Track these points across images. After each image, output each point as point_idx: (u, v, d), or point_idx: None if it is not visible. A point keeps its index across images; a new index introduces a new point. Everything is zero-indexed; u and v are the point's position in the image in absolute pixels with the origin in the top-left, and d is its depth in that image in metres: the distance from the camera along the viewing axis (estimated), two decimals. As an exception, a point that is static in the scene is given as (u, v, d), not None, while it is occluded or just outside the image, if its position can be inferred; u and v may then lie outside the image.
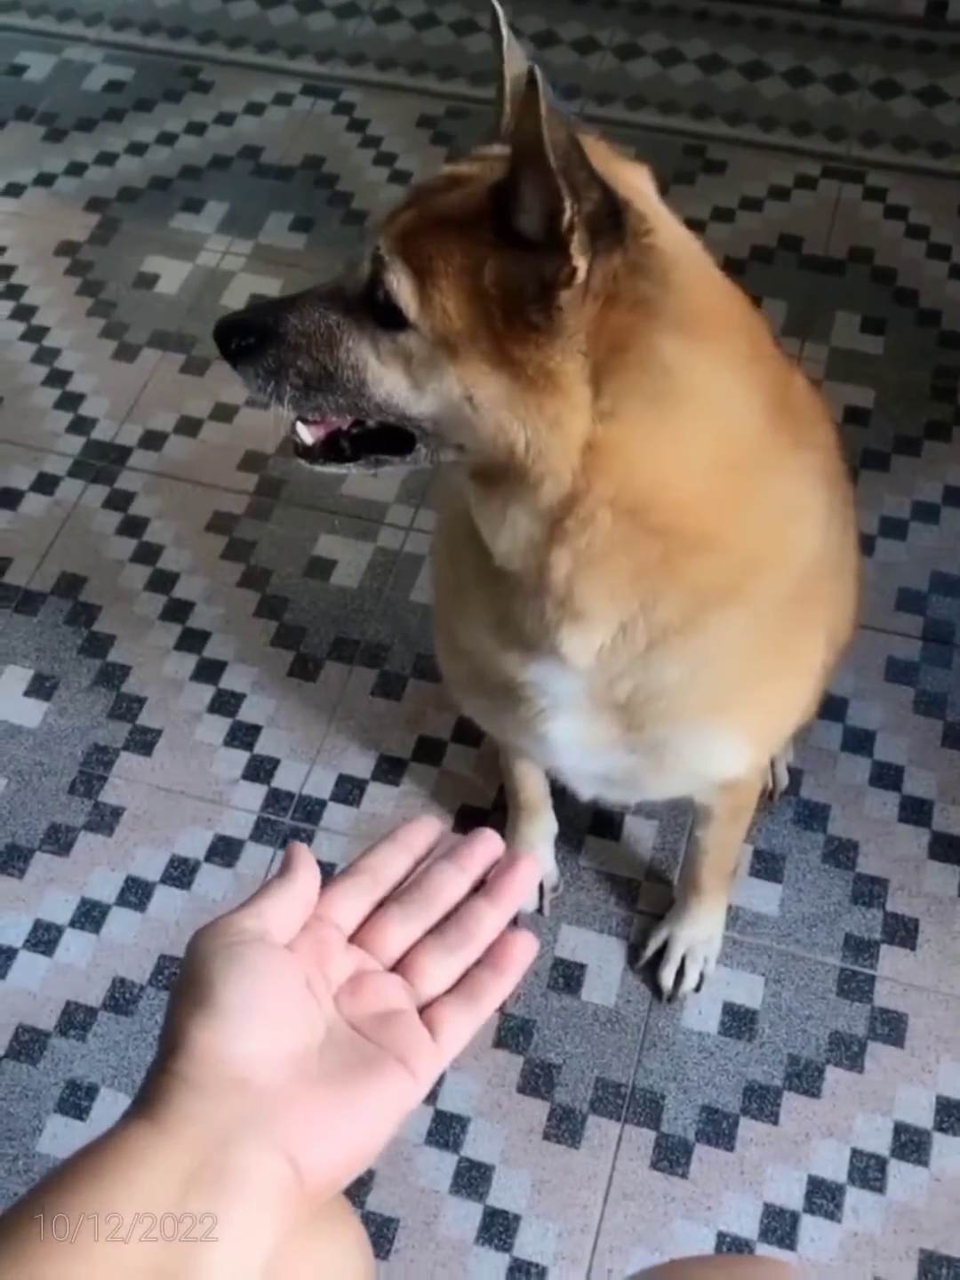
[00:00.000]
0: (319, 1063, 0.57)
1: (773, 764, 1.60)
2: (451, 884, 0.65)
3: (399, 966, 0.63)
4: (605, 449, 0.81)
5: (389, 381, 0.85)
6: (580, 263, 0.75)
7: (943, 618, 1.75)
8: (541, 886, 1.54)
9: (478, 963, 0.63)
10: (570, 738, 1.06)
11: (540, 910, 1.54)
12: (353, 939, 0.63)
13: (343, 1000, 0.60)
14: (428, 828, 0.67)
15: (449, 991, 0.63)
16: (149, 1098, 0.55)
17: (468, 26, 2.57)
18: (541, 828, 1.53)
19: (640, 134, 2.35)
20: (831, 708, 1.67)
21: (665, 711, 1.02)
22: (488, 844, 0.66)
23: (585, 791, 1.29)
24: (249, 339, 0.89)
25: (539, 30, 2.53)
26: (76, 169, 2.38)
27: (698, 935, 1.49)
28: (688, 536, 0.86)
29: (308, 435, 0.95)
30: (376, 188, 2.31)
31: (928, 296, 2.10)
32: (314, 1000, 0.59)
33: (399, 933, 0.64)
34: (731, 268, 2.30)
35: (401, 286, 0.80)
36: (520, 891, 0.65)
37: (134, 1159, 0.53)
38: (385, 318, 0.82)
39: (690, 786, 1.24)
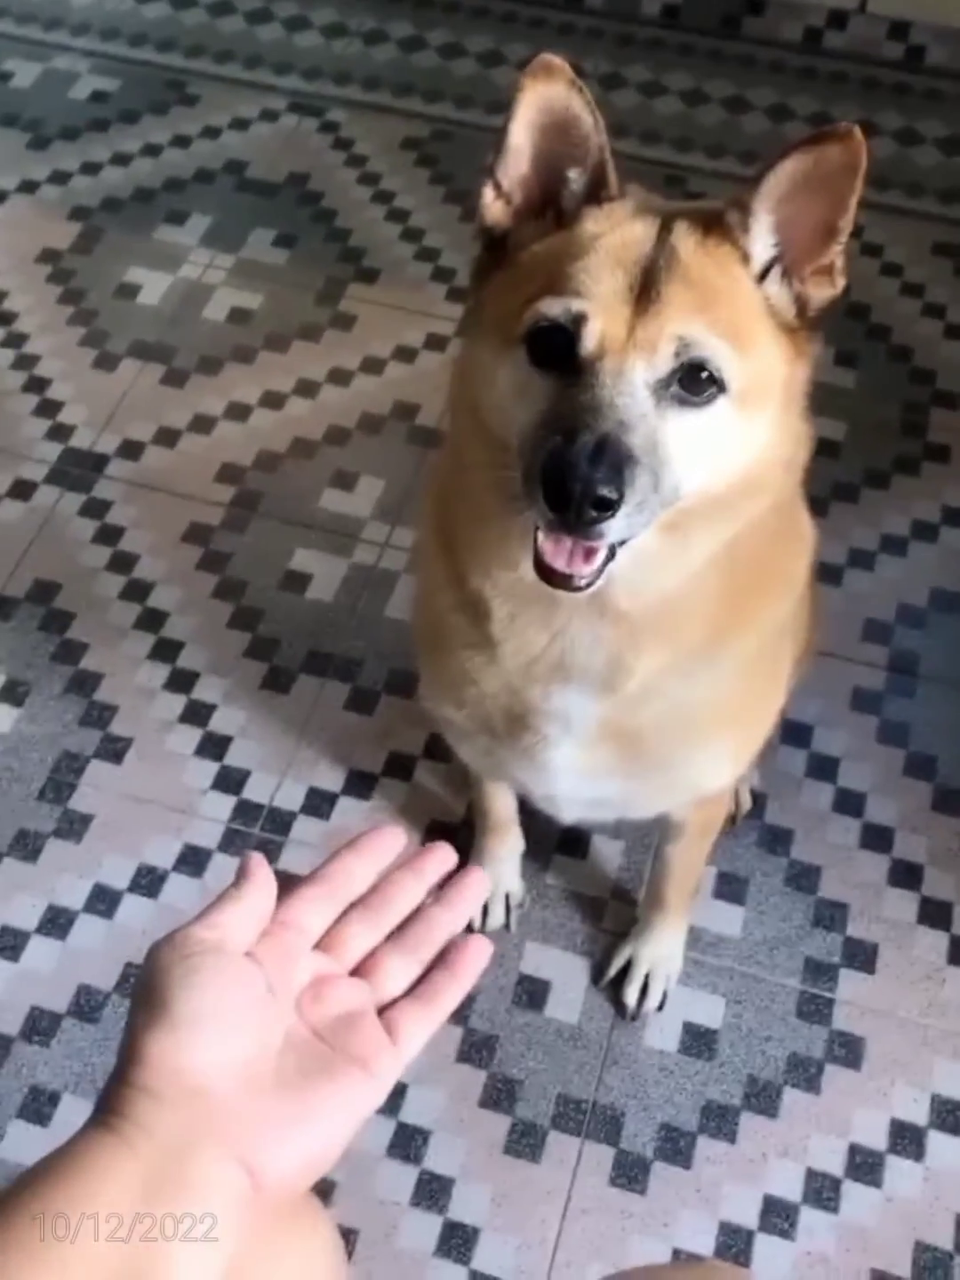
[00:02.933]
0: (277, 1069, 0.59)
1: (737, 787, 1.63)
2: (409, 891, 0.68)
3: (359, 969, 0.66)
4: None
5: (718, 454, 0.85)
6: (841, 281, 0.88)
7: (908, 649, 1.79)
8: (507, 902, 1.56)
9: (434, 967, 0.66)
10: (572, 765, 1.09)
11: (507, 926, 1.55)
12: (317, 945, 0.66)
13: (305, 1004, 0.62)
14: (390, 836, 0.70)
15: (407, 994, 0.65)
16: (108, 1108, 0.56)
17: (454, 50, 2.60)
18: (509, 845, 1.55)
19: (622, 163, 2.38)
20: (797, 734, 1.70)
21: (676, 731, 1.07)
22: (442, 855, 0.70)
23: (570, 816, 1.32)
24: (615, 485, 0.79)
25: (523, 57, 2.56)
26: (60, 177, 2.38)
27: (661, 954, 1.51)
28: (771, 553, 0.97)
29: (589, 573, 0.85)
30: (360, 206, 2.33)
31: (900, 333, 2.15)
32: (273, 1007, 0.61)
33: (360, 938, 0.66)
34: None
35: (728, 358, 0.82)
36: (472, 899, 0.68)
37: (94, 1169, 0.54)
38: (694, 394, 0.83)
39: (676, 802, 1.27)
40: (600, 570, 0.85)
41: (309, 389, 2.08)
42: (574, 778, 1.12)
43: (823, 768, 1.68)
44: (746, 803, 1.64)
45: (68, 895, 1.58)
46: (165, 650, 1.79)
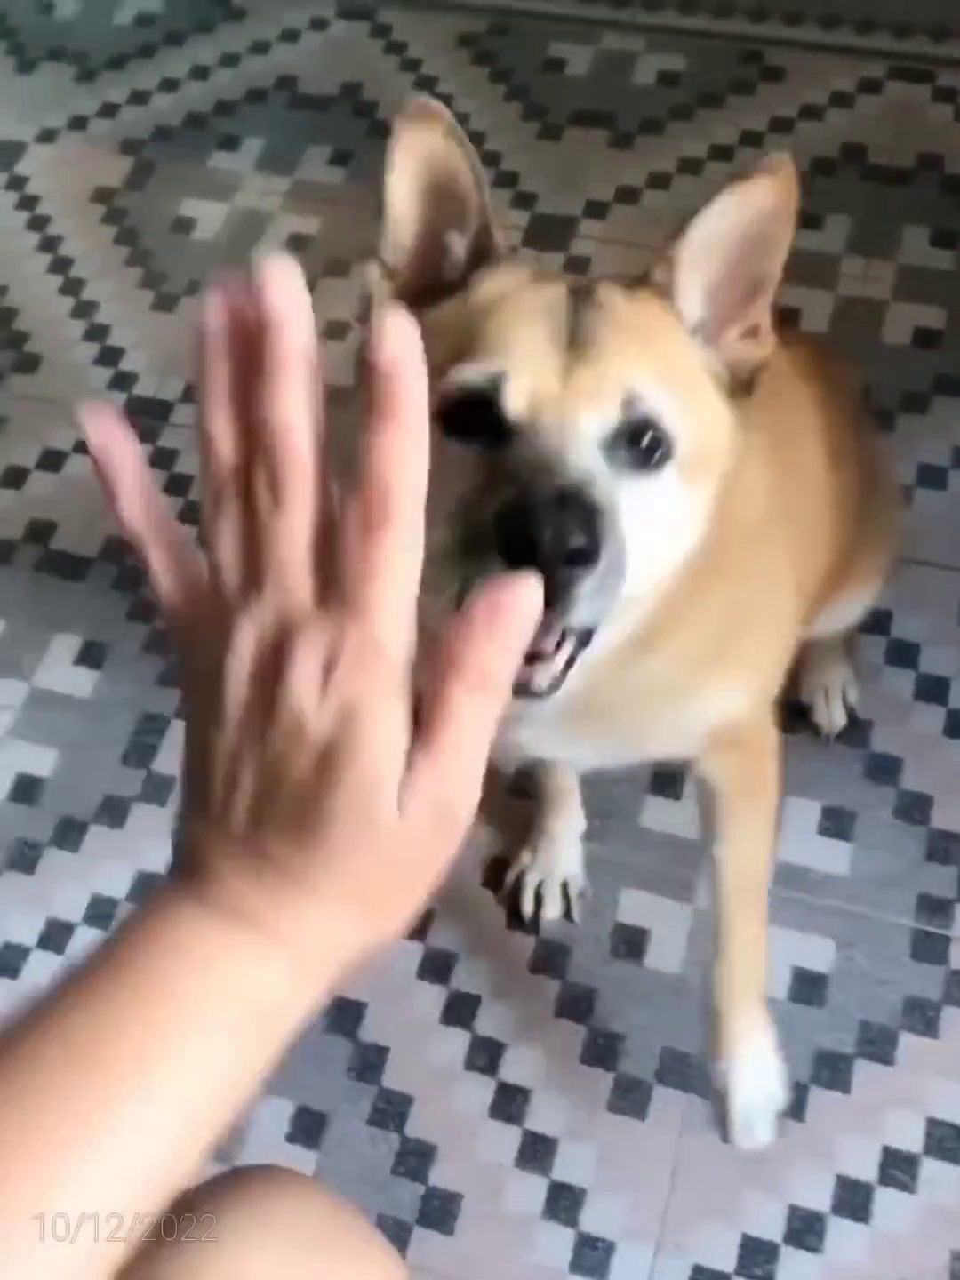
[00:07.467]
0: None
1: (827, 700, 1.53)
2: None
3: None
4: None
5: (669, 536, 0.77)
6: (769, 342, 0.80)
7: (1021, 554, 1.66)
8: (565, 890, 1.47)
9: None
10: (542, 740, 0.97)
11: (568, 916, 1.46)
12: None
13: None
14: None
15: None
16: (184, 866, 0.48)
17: (508, -67, 2.44)
18: (566, 821, 1.45)
19: (693, 40, 2.22)
20: (902, 654, 1.60)
21: (653, 695, 0.95)
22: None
23: (578, 768, 1.26)
24: (589, 534, 0.67)
25: (583, -68, 2.39)
26: (109, 110, 2.31)
27: (763, 1086, 1.23)
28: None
29: (552, 674, 0.74)
30: (416, 114, 2.21)
31: (1003, 205, 1.97)
32: None
33: None
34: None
35: (676, 415, 0.73)
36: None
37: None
38: (643, 458, 0.73)
39: (689, 742, 1.07)
40: (563, 672, 0.73)
41: (373, 316, 1.99)
42: (550, 746, 1.01)
43: (932, 690, 1.58)
44: (839, 720, 1.53)
45: (154, 860, 1.57)
46: (240, 602, 1.74)
